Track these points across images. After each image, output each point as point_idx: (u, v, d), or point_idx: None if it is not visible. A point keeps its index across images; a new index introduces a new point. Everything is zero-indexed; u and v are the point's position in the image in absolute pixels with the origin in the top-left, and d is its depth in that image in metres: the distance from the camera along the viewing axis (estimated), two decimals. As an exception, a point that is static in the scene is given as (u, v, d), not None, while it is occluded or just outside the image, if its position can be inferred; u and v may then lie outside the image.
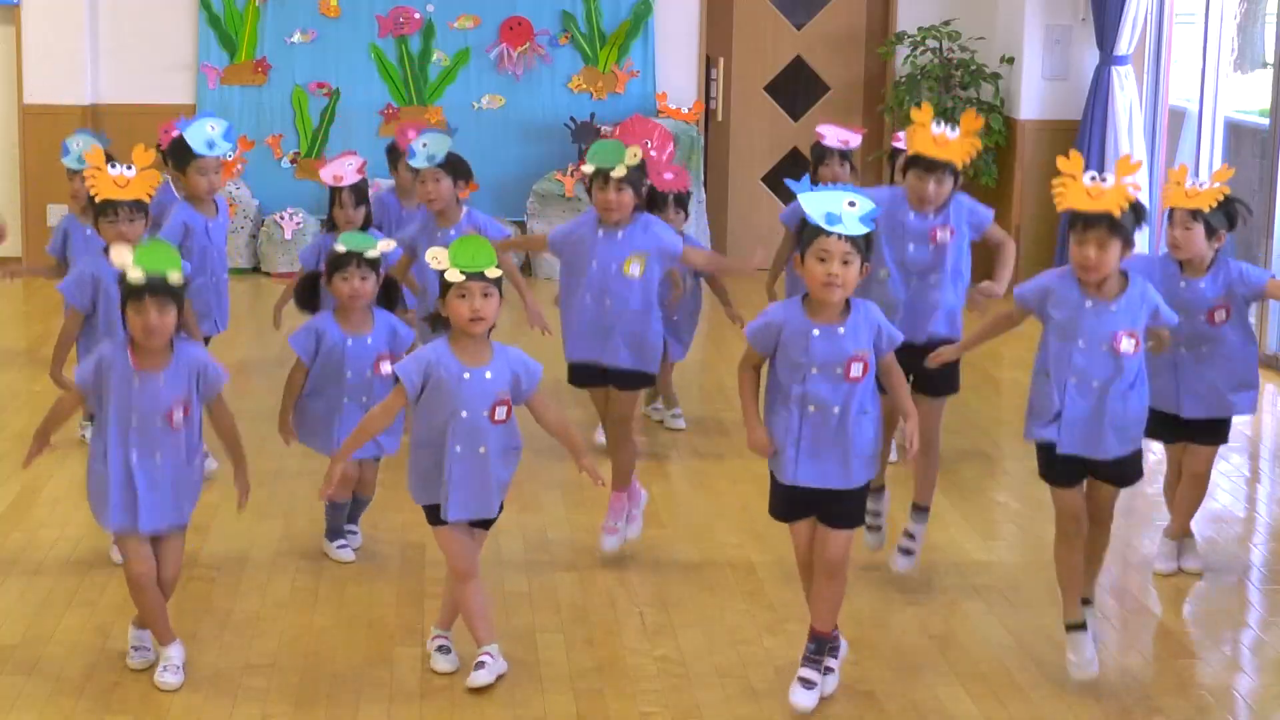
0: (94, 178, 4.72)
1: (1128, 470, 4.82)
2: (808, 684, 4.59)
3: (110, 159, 6.89)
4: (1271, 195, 8.77)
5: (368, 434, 4.86)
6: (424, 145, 6.54)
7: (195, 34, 11.04)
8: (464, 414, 4.61)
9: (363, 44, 11.11)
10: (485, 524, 4.84)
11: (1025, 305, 4.81)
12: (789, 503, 4.60)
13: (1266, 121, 8.92)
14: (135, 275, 4.53)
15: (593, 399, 5.85)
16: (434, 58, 11.14)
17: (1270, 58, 9.47)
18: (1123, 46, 9.96)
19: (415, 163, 6.58)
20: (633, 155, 5.51)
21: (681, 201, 7.08)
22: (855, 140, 7.32)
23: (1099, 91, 10.04)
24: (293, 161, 11.15)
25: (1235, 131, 9.71)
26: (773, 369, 4.56)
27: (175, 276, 4.56)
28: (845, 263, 4.36)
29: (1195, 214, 5.38)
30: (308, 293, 5.71)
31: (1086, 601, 4.91)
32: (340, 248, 5.48)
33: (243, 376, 7.82)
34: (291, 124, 11.14)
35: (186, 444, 4.70)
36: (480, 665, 4.76)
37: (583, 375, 5.73)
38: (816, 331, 4.45)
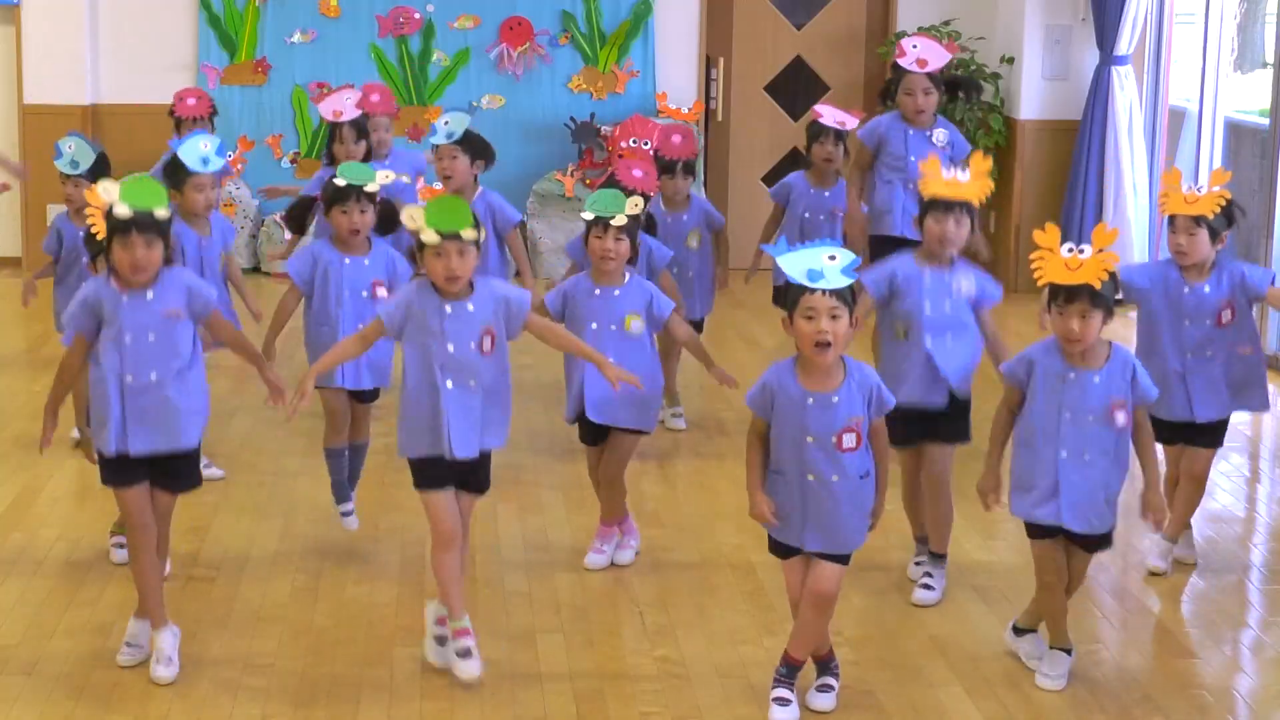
0: (94, 218, 4.74)
1: (1103, 541, 4.84)
2: (784, 701, 4.58)
3: (105, 161, 6.86)
4: (1271, 195, 8.77)
5: (339, 358, 4.89)
6: (445, 123, 6.58)
7: (195, 34, 11.04)
8: (450, 347, 4.62)
9: (363, 44, 11.11)
10: (477, 488, 4.82)
11: (1016, 381, 4.78)
12: (786, 546, 4.60)
13: (1266, 121, 8.92)
14: (122, 211, 4.53)
15: (588, 455, 5.79)
16: (434, 58, 11.14)
17: (1270, 58, 9.47)
18: (1123, 46, 9.96)
19: (435, 139, 6.61)
20: (633, 205, 5.52)
21: (689, 167, 7.19)
22: (852, 123, 7.32)
23: (1099, 91, 10.04)
24: (293, 161, 11.14)
25: (1235, 131, 9.71)
26: (772, 432, 4.52)
27: (162, 212, 4.57)
28: (834, 318, 4.31)
29: (1198, 220, 5.38)
30: (301, 214, 5.68)
31: (1022, 630, 4.96)
32: (339, 181, 5.48)
33: (242, 377, 7.81)
34: (291, 124, 11.15)
35: (180, 360, 4.67)
36: (466, 653, 4.75)
37: (591, 432, 5.69)
38: (811, 400, 4.41)
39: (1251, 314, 5.62)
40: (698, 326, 7.40)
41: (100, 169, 6.91)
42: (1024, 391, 4.78)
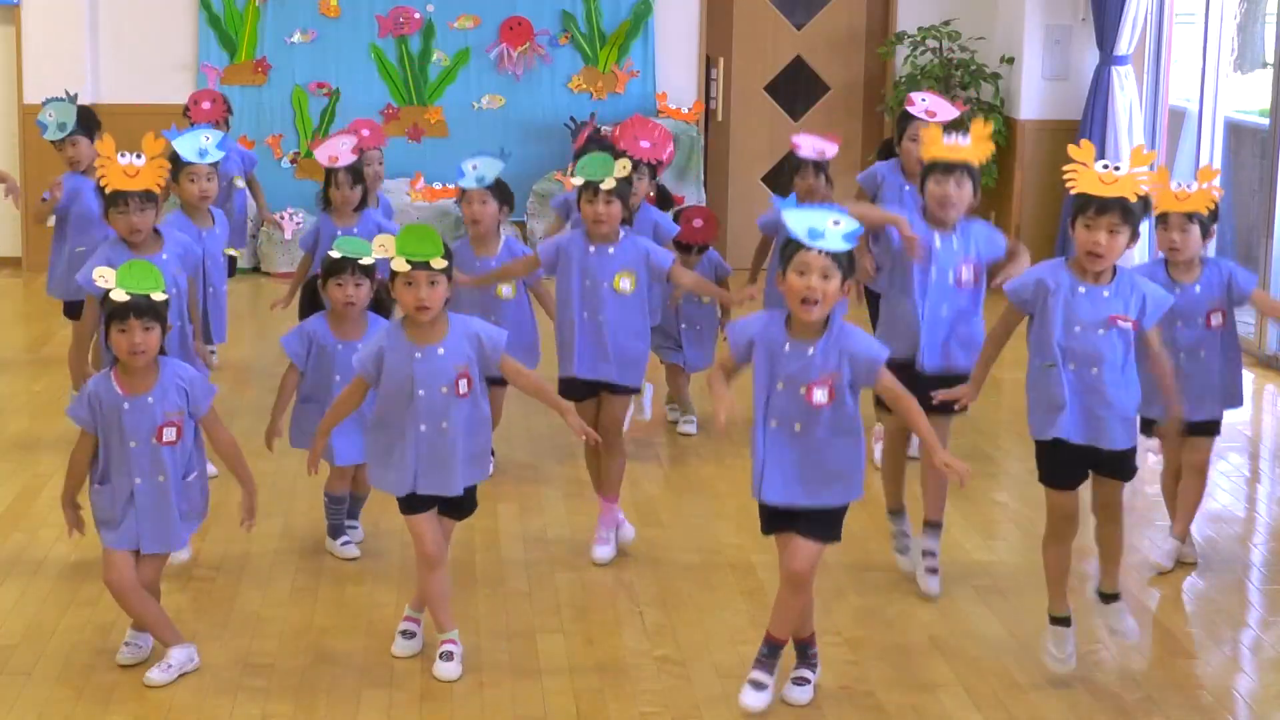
0: (104, 168, 4.70)
1: (1129, 464, 4.82)
2: (758, 685, 4.59)
3: (90, 113, 6.85)
4: (1271, 195, 8.77)
5: (337, 417, 4.91)
6: (474, 167, 6.52)
7: (195, 34, 11.04)
8: (421, 393, 4.65)
9: (363, 44, 11.11)
10: (456, 513, 4.88)
11: (1020, 300, 4.75)
12: (768, 517, 4.59)
13: (1266, 121, 8.93)
14: (119, 296, 4.54)
15: (581, 411, 5.72)
16: (434, 58, 11.14)
17: (1270, 58, 9.47)
18: (1123, 46, 9.97)
19: (463, 184, 6.54)
20: (621, 167, 5.51)
21: (705, 248, 7.23)
22: (831, 150, 7.19)
23: (1099, 91, 10.05)
24: (293, 161, 11.15)
25: (1235, 131, 9.71)
26: (756, 373, 4.52)
27: (159, 296, 4.58)
28: (825, 277, 4.31)
29: (1190, 216, 5.40)
30: (311, 300, 5.72)
31: (1114, 597, 4.96)
32: (334, 254, 5.49)
33: (242, 377, 7.82)
34: (291, 124, 11.15)
35: (184, 462, 4.74)
36: (448, 656, 4.82)
37: (574, 389, 5.68)
38: (788, 347, 4.41)
39: (1234, 317, 5.63)
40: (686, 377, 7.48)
41: (89, 120, 6.89)
42: (1026, 314, 4.75)
